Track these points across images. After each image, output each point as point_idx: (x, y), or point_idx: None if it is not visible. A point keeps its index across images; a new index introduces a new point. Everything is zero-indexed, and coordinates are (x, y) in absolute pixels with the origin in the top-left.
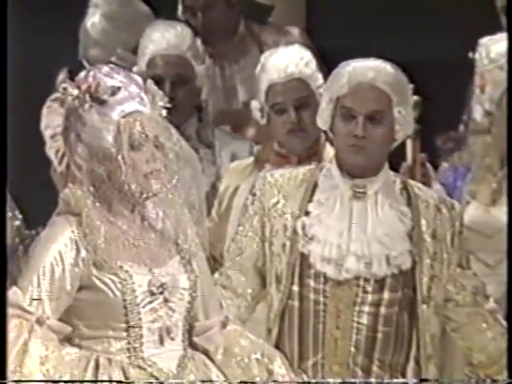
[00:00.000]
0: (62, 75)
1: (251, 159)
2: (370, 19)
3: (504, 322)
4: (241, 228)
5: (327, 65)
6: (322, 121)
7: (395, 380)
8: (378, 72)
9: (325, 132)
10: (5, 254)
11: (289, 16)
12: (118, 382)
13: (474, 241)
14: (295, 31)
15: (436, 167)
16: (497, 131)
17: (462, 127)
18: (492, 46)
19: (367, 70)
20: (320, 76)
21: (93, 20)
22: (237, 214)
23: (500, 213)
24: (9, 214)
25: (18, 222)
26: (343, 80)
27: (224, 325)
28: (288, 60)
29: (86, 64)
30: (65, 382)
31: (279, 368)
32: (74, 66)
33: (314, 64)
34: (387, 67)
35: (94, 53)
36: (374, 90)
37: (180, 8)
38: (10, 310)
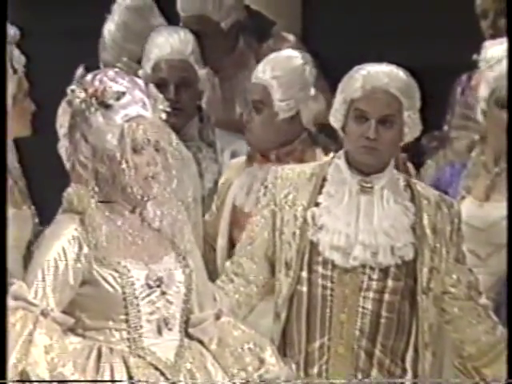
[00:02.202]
0: (80, 72)
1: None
2: (366, 23)
3: (495, 317)
4: (253, 218)
5: (325, 71)
6: (335, 120)
7: (394, 380)
8: (391, 77)
9: (309, 134)
10: (5, 253)
11: (285, 28)
12: (113, 381)
13: (467, 234)
14: (291, 38)
15: (421, 164)
16: (490, 129)
17: (445, 127)
18: (489, 49)
19: (381, 75)
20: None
21: (109, 27)
22: (228, 210)
23: (493, 208)
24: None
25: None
26: (357, 83)
27: (218, 317)
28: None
29: (101, 65)
30: (65, 382)
31: (270, 357)
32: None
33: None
34: (400, 73)
35: (105, 56)
36: (387, 94)
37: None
38: (16, 303)
